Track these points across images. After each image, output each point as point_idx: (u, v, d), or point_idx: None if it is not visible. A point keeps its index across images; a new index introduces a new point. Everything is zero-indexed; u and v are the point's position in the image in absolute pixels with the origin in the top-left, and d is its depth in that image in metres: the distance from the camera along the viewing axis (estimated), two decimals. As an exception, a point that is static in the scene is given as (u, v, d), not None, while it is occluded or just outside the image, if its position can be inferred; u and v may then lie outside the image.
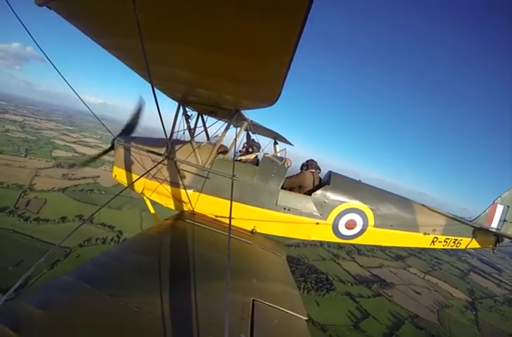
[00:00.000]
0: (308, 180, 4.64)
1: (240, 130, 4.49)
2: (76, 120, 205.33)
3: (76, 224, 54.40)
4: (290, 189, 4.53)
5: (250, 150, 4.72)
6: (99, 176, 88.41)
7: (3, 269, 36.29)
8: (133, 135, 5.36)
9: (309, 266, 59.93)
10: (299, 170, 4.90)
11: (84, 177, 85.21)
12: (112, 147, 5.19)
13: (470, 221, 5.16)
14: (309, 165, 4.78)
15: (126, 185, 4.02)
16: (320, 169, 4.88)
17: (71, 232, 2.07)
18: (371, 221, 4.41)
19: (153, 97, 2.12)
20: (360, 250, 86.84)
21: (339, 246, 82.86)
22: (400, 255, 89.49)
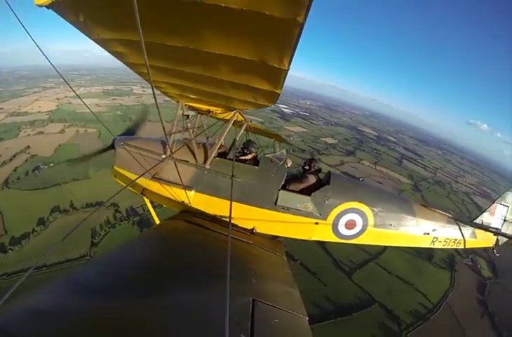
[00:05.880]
0: (312, 183, 4.62)
1: (240, 131, 4.48)
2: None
3: (60, 219, 44.69)
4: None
5: (249, 150, 4.72)
6: (29, 146, 64.65)
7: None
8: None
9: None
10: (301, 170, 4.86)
11: (14, 156, 60.55)
12: (112, 147, 5.18)
13: (470, 221, 5.18)
14: (311, 166, 4.75)
15: (126, 185, 4.02)
16: (320, 170, 4.87)
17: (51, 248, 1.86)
18: (371, 221, 4.40)
19: (153, 97, 2.11)
20: (319, 150, 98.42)
21: (302, 150, 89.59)
22: (349, 150, 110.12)
